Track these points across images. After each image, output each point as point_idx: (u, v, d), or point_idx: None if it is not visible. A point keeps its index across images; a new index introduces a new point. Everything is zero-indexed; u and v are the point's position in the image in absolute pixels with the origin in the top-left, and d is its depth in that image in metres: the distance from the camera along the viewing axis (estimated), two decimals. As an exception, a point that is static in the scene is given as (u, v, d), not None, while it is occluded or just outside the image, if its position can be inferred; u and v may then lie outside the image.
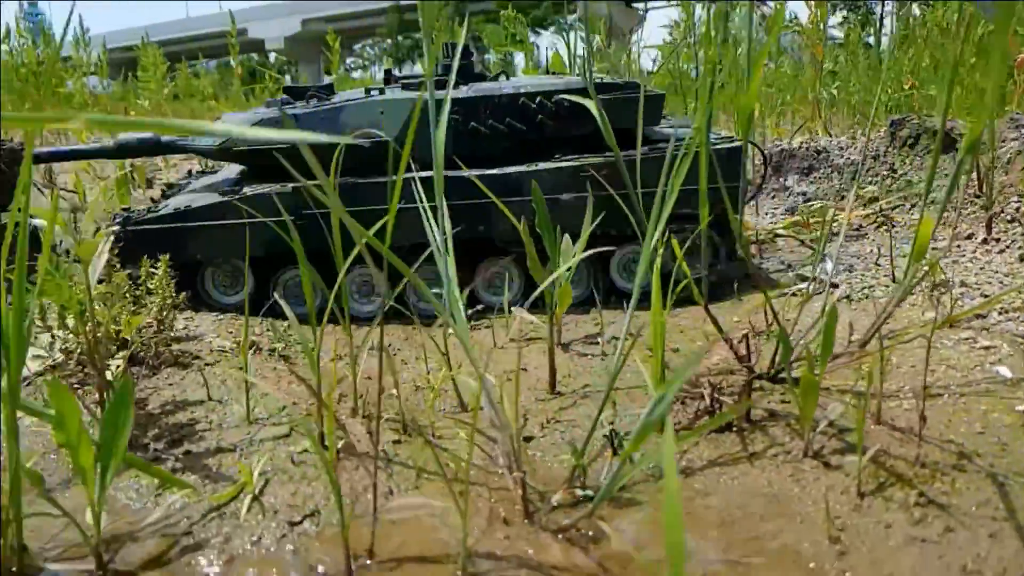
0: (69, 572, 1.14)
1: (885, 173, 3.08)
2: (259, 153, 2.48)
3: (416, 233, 1.66)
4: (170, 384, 1.70)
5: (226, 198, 2.35)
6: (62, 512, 1.10)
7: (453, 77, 1.57)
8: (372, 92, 2.56)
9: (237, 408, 1.60)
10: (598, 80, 2.59)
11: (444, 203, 1.51)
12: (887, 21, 5.46)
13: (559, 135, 2.55)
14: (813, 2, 4.52)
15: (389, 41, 45.18)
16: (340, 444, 1.42)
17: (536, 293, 1.84)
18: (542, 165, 2.46)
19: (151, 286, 1.74)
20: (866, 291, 2.21)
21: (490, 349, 2.13)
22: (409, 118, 2.39)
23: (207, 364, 1.81)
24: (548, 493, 1.33)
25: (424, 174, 2.18)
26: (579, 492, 1.30)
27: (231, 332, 2.09)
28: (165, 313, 1.75)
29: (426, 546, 1.17)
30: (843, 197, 3.14)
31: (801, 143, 3.75)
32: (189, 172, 3.69)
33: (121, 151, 2.65)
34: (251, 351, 1.95)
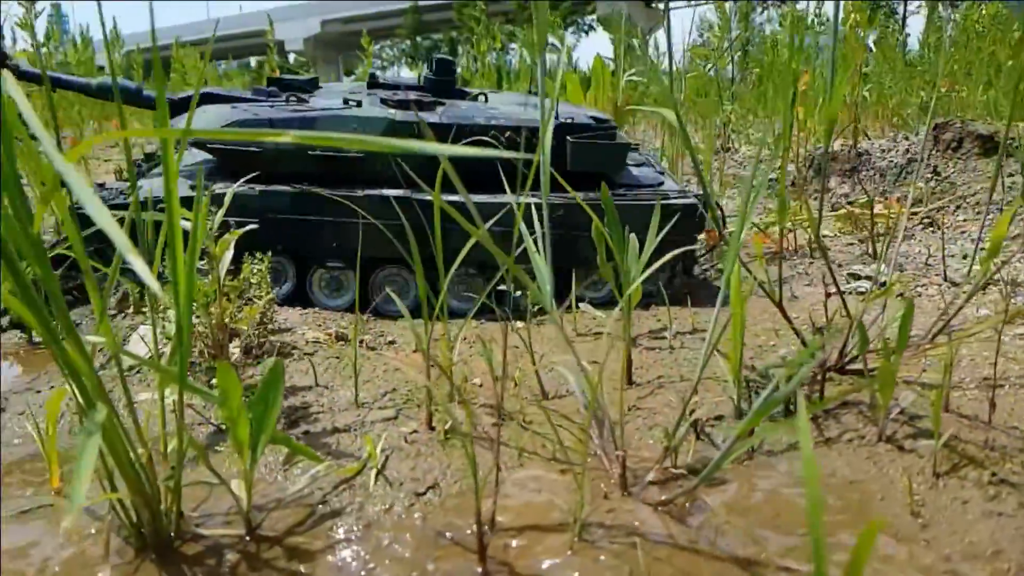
0: (221, 537, 1.26)
1: (929, 176, 3.16)
2: (230, 154, 2.57)
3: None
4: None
5: (193, 193, 2.48)
6: (221, 481, 1.23)
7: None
8: (350, 103, 2.66)
9: (344, 393, 1.72)
10: (569, 119, 2.68)
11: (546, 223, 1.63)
12: (910, 21, 5.51)
13: (528, 168, 2.64)
14: (851, 2, 4.59)
15: (408, 42, 45.47)
16: (447, 425, 1.54)
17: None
18: (500, 198, 2.52)
19: (254, 280, 1.87)
20: (919, 290, 2.31)
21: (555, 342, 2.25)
22: (382, 136, 2.50)
23: (306, 353, 1.95)
24: (639, 472, 1.44)
25: (392, 192, 2.34)
26: (672, 470, 1.42)
27: (319, 324, 2.22)
28: (267, 306, 1.89)
29: (541, 516, 1.29)
30: (886, 198, 3.23)
31: (842, 146, 3.84)
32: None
33: (100, 91, 2.81)
34: (341, 343, 2.08)
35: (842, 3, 4.76)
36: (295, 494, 1.34)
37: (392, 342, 2.16)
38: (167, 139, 0.95)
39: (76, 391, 1.09)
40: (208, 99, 2.76)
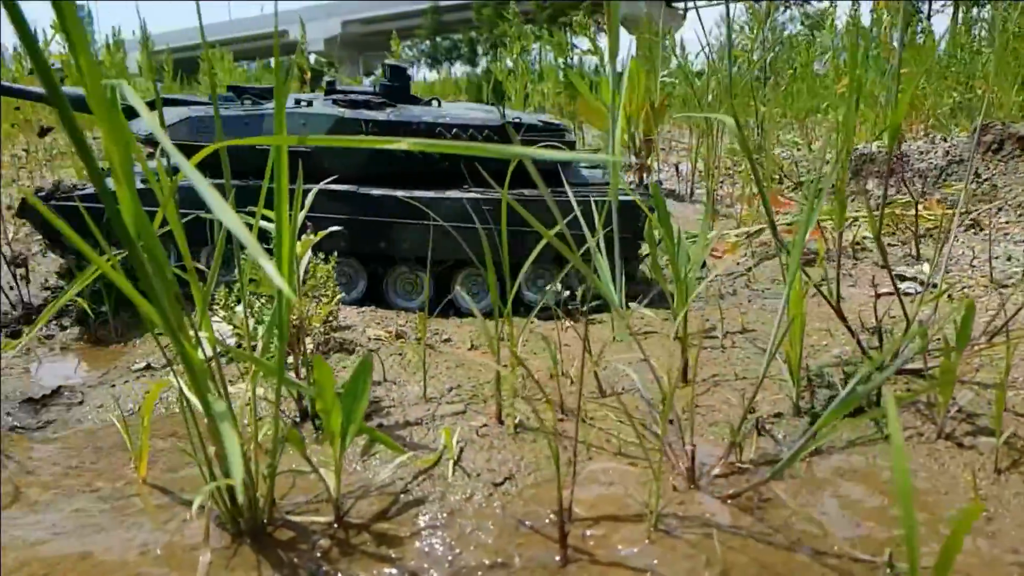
0: (311, 523, 1.33)
1: (970, 178, 3.17)
2: (182, 149, 2.65)
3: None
4: (344, 367, 1.91)
5: (147, 186, 2.57)
6: (313, 469, 1.30)
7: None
8: (301, 103, 2.73)
9: (411, 388, 1.79)
10: (516, 119, 2.78)
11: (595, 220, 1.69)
12: (933, 21, 5.50)
13: (472, 167, 2.72)
14: (884, 3, 4.60)
15: (427, 42, 45.69)
16: (517, 420, 1.60)
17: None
18: (448, 193, 2.62)
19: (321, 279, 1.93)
20: (965, 291, 2.33)
21: (608, 341, 2.30)
22: (329, 132, 2.59)
23: (370, 350, 2.01)
24: (703, 466, 1.49)
25: (339, 187, 2.42)
26: (738, 464, 1.47)
27: (377, 323, 2.29)
28: (333, 305, 1.95)
29: (615, 507, 1.34)
30: (926, 199, 3.25)
31: (878, 148, 3.85)
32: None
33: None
34: (400, 340, 2.15)
35: (874, 3, 4.77)
36: (381, 483, 1.40)
37: (448, 339, 2.22)
38: (281, 146, 1.01)
39: (187, 383, 1.16)
40: (169, 104, 2.87)
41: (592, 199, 2.30)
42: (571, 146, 2.91)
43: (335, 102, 2.78)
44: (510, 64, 5.77)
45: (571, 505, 1.32)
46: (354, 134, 2.64)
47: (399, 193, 2.55)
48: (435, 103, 2.98)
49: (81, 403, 1.93)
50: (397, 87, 2.91)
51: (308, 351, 1.72)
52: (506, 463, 1.47)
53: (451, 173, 2.71)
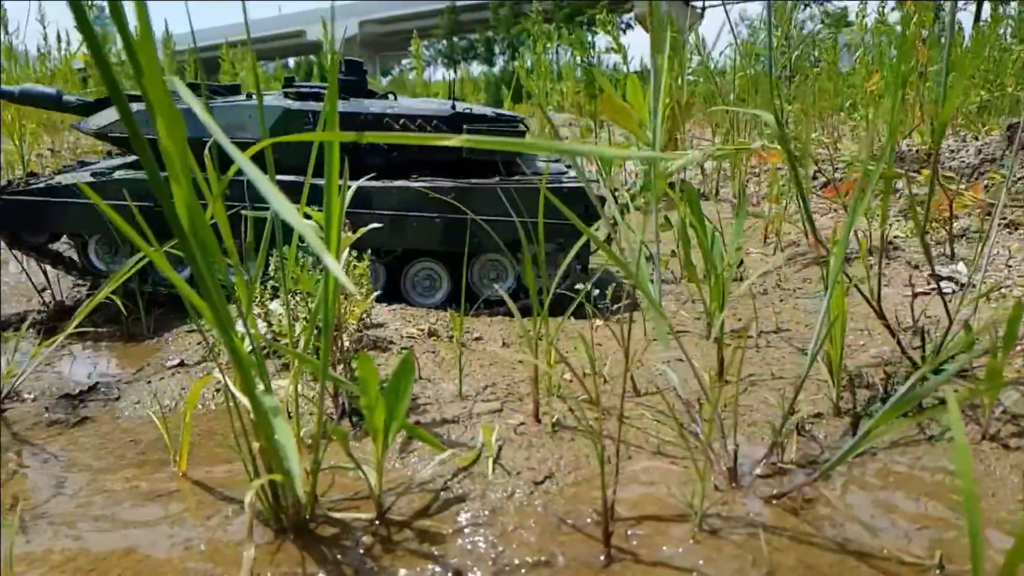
0: (353, 520, 1.33)
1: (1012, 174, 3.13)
2: (119, 142, 2.73)
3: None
4: (379, 364, 1.91)
5: (94, 179, 2.62)
6: (356, 466, 1.29)
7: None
8: (252, 96, 2.76)
9: (446, 386, 1.79)
10: (467, 111, 2.79)
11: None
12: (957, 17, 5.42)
13: (420, 158, 2.72)
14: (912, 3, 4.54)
15: (444, 42, 45.76)
16: (555, 419, 1.60)
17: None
18: (395, 183, 2.62)
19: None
20: (1003, 291, 2.30)
21: (640, 341, 2.29)
22: (276, 123, 2.61)
23: (403, 348, 2.02)
24: (744, 466, 1.48)
25: (286, 178, 2.50)
26: (779, 464, 1.45)
27: (408, 320, 2.29)
28: (368, 303, 1.96)
29: (658, 506, 1.33)
30: (963, 193, 3.21)
31: (908, 147, 3.81)
32: (108, 153, 3.95)
33: (23, 98, 2.88)
34: (432, 338, 2.15)
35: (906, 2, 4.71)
36: (422, 480, 1.40)
37: (479, 337, 2.22)
38: (334, 142, 1.01)
39: (235, 378, 1.16)
40: (135, 100, 2.88)
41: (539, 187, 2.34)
42: (522, 136, 2.92)
43: (285, 95, 2.81)
44: (530, 64, 5.76)
45: (613, 504, 1.32)
46: (301, 125, 2.66)
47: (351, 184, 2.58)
48: (391, 97, 3.01)
49: (118, 399, 1.95)
50: (353, 81, 2.94)
51: (345, 348, 1.72)
52: (545, 461, 1.46)
53: (403, 164, 2.72)
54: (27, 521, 1.36)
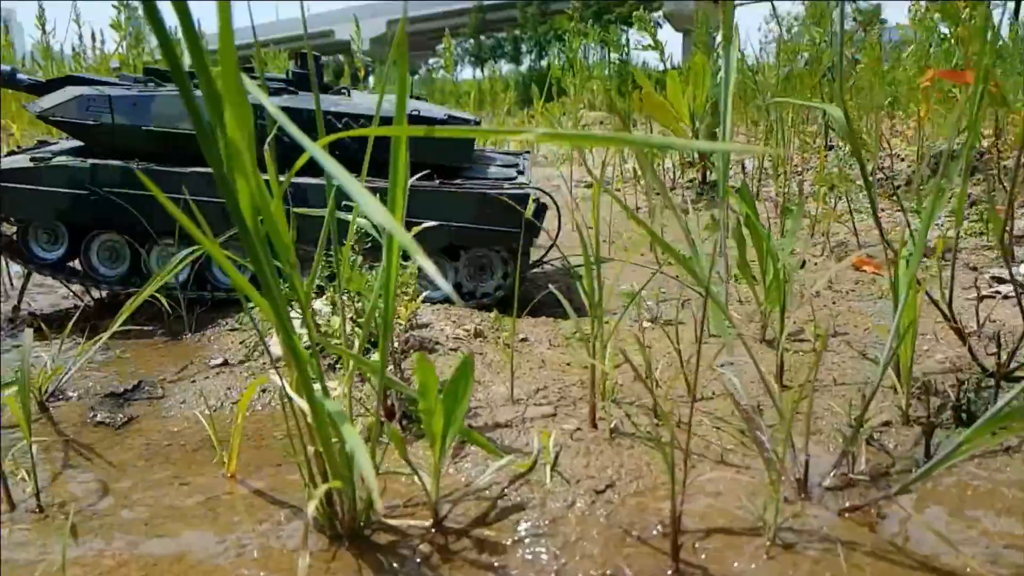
0: (409, 527, 1.29)
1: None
2: (67, 126, 2.68)
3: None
4: (426, 366, 1.87)
5: (31, 164, 2.59)
6: (413, 471, 1.25)
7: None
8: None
9: (497, 389, 1.74)
10: (414, 112, 2.74)
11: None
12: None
13: (361, 156, 2.65)
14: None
15: (471, 41, 45.82)
16: (612, 424, 1.54)
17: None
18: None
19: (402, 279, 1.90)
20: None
21: (691, 343, 2.22)
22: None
23: (451, 349, 1.98)
24: (812, 476, 1.41)
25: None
26: (850, 476, 1.39)
27: (453, 321, 2.25)
28: (417, 304, 1.92)
29: (727, 518, 1.28)
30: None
31: (960, 144, 3.69)
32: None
33: None
34: (478, 339, 2.11)
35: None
36: (478, 487, 1.35)
37: (525, 339, 2.17)
38: (401, 137, 0.96)
39: (293, 380, 1.13)
40: (74, 82, 2.86)
41: (485, 192, 2.51)
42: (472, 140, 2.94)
43: None
44: (563, 61, 5.70)
45: (680, 516, 1.26)
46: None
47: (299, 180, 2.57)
48: (345, 92, 2.98)
49: (162, 397, 1.93)
50: (305, 76, 2.92)
51: (394, 349, 1.68)
52: (605, 469, 1.41)
53: (347, 164, 2.68)
54: (76, 524, 1.33)
